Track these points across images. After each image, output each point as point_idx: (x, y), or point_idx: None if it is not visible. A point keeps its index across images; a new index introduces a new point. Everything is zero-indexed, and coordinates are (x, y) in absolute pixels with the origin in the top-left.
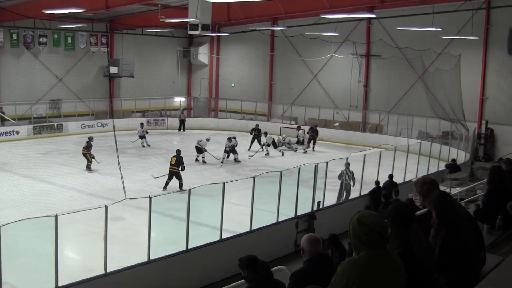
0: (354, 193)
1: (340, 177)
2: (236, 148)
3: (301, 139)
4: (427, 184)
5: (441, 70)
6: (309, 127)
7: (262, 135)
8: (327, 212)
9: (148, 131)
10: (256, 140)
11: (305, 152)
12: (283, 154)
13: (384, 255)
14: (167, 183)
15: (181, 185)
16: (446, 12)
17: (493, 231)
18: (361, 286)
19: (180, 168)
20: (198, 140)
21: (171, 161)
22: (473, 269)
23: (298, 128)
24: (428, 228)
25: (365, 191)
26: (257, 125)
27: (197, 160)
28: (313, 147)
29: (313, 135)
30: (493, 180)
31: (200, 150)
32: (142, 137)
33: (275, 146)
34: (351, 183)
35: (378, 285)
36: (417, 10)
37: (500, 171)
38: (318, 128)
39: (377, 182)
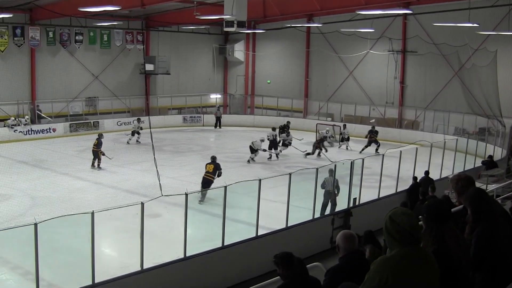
0: (390, 190)
1: (323, 185)
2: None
3: (346, 136)
4: (462, 181)
5: (478, 66)
6: (369, 128)
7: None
8: (363, 208)
9: (143, 127)
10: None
11: (347, 148)
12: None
13: (417, 252)
14: (204, 195)
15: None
16: (482, 7)
17: None
18: (394, 284)
19: (216, 175)
20: (252, 141)
21: (206, 168)
22: (508, 267)
23: (344, 126)
24: (463, 225)
25: (401, 188)
26: (288, 122)
27: (248, 162)
28: (377, 149)
29: (373, 137)
30: None
31: (253, 150)
32: (135, 132)
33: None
34: (336, 191)
35: (411, 282)
36: (453, 5)
37: None
38: (376, 128)
39: (415, 178)
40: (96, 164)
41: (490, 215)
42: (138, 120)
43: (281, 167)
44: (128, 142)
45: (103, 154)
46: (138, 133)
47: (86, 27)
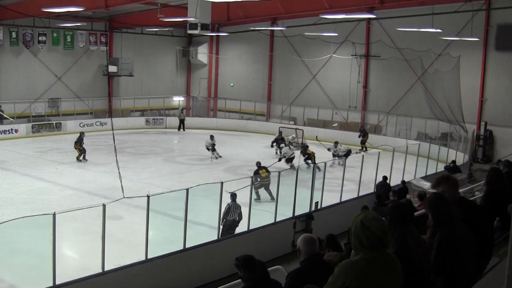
0: (352, 194)
1: (226, 214)
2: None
3: (341, 154)
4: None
5: (440, 71)
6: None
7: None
8: (325, 212)
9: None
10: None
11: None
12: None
13: (382, 258)
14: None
15: None
16: (446, 13)
17: None
18: None
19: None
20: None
21: (261, 174)
22: (468, 271)
23: (336, 143)
24: (424, 230)
25: (363, 192)
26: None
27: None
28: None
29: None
30: (491, 182)
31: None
32: (211, 149)
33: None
34: (237, 218)
35: (374, 287)
36: (416, 11)
37: (498, 172)
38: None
39: (385, 177)
40: (81, 157)
41: (450, 219)
42: (211, 137)
43: (244, 170)
44: (216, 157)
45: (82, 151)
46: (214, 149)
47: (50, 27)
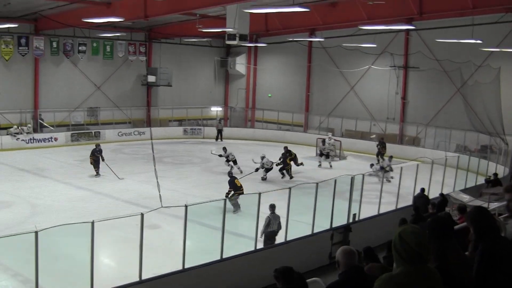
0: (390, 206)
1: (267, 226)
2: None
3: (385, 166)
4: None
5: (480, 83)
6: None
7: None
8: (362, 224)
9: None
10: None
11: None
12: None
13: (423, 272)
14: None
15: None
16: (486, 24)
17: None
18: None
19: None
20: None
21: (237, 184)
22: (511, 284)
23: (390, 158)
24: (466, 243)
25: (401, 204)
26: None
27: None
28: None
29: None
30: None
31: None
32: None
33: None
34: (277, 228)
35: None
36: (456, 21)
37: None
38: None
39: (423, 189)
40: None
41: (492, 232)
42: (224, 149)
43: (281, 181)
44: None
45: (93, 163)
46: (234, 163)
47: (90, 37)
